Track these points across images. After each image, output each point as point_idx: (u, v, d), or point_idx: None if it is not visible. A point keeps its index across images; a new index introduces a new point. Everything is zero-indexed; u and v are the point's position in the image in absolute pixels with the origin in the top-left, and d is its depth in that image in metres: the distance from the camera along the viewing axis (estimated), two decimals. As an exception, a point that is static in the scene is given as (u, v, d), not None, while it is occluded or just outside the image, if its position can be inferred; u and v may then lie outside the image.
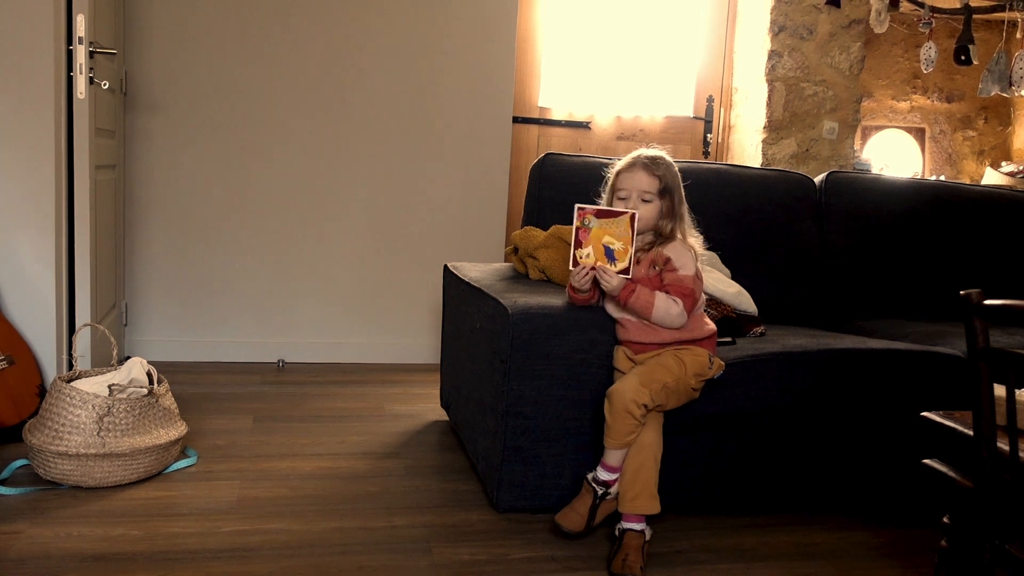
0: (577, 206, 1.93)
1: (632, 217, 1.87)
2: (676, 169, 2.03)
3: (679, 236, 2.00)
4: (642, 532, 1.91)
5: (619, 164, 2.04)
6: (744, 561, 1.95)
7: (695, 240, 2.04)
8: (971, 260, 3.01)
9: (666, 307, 1.93)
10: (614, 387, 1.94)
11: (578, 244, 1.94)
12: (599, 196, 2.09)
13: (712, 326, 2.05)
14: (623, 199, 1.99)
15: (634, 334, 2.02)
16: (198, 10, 3.39)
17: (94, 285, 2.76)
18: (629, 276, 1.91)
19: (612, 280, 1.91)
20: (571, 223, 1.94)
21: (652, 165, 1.99)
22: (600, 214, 1.91)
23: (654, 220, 1.99)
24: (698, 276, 1.98)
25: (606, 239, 1.91)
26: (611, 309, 2.06)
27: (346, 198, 3.62)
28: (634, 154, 2.03)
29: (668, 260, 1.96)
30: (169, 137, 3.43)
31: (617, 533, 1.93)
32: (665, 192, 1.99)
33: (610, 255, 1.92)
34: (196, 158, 3.46)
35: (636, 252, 1.94)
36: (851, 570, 1.95)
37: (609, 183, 2.06)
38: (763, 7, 4.05)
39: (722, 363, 2.02)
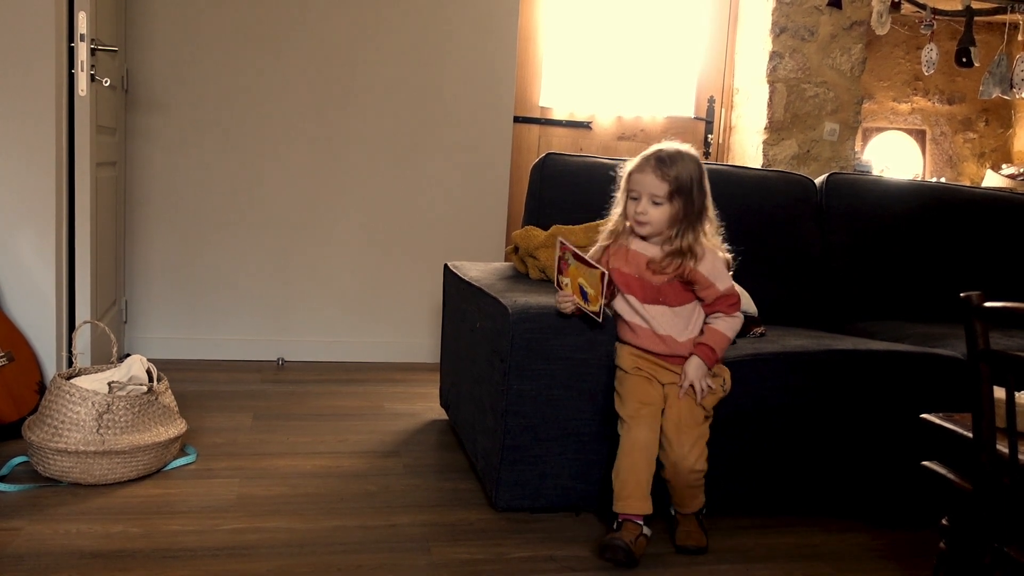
0: (560, 240, 1.97)
1: (602, 276, 1.86)
2: (696, 166, 1.95)
3: (702, 245, 1.95)
4: (640, 524, 1.92)
5: (632, 162, 1.98)
6: (743, 562, 1.95)
7: (716, 242, 2.00)
8: (971, 262, 3.01)
9: (733, 327, 1.99)
10: (674, 458, 1.92)
11: (561, 271, 1.99)
12: (609, 197, 2.07)
13: None
14: (635, 199, 1.96)
15: (646, 342, 2.00)
16: (200, 7, 3.39)
17: (94, 282, 2.76)
18: (600, 320, 1.93)
19: (694, 369, 1.93)
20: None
21: (663, 166, 1.92)
22: (577, 257, 1.92)
23: (665, 224, 1.95)
24: (733, 282, 2.02)
25: (581, 280, 1.93)
26: (623, 310, 2.02)
27: (347, 196, 3.62)
28: (648, 151, 1.96)
29: (703, 278, 1.95)
30: (170, 134, 3.43)
31: (615, 527, 1.95)
32: (678, 194, 1.92)
33: (584, 296, 1.94)
34: (197, 156, 3.46)
35: (662, 260, 1.96)
36: (850, 572, 1.95)
37: (622, 182, 2.01)
38: (764, 8, 4.05)
39: (728, 381, 2.04)
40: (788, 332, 2.48)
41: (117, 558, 1.76)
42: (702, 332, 2.00)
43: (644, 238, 1.99)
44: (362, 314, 3.69)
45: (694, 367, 1.94)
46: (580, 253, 1.91)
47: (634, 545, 1.87)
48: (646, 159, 1.95)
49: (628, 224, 2.00)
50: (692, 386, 1.94)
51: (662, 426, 1.95)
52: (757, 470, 2.20)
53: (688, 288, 1.98)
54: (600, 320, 1.93)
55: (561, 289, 1.99)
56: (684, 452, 1.92)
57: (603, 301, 1.89)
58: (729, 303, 1.98)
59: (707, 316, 2.02)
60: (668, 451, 1.94)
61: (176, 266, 3.49)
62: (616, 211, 2.05)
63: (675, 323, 1.99)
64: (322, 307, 3.64)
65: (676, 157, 1.93)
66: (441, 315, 2.94)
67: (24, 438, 2.15)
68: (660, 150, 1.95)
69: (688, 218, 1.94)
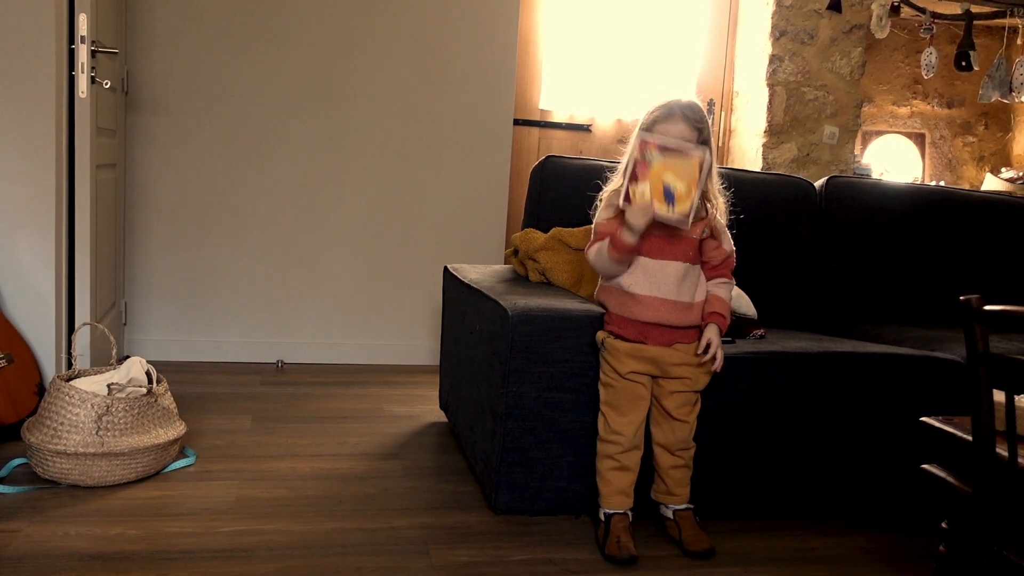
0: (642, 135, 1.78)
1: (701, 162, 1.72)
2: (709, 121, 1.93)
3: (718, 200, 1.93)
4: (626, 514, 1.98)
5: (653, 112, 1.88)
6: (743, 565, 1.95)
7: (721, 201, 1.96)
8: (971, 265, 3.01)
9: (730, 294, 1.98)
10: (669, 441, 1.99)
11: (633, 179, 1.78)
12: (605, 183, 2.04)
13: None
14: None
15: (660, 312, 1.91)
16: (200, 10, 3.39)
17: (94, 284, 2.76)
18: (688, 225, 1.80)
19: (717, 335, 1.93)
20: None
21: (692, 112, 1.85)
22: (665, 150, 1.74)
23: None
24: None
25: (667, 176, 1.73)
26: (634, 281, 1.93)
27: (346, 199, 3.62)
28: (667, 101, 1.87)
29: (718, 232, 1.92)
30: (170, 137, 3.43)
31: (603, 517, 1.99)
32: (703, 144, 1.85)
33: (669, 196, 1.74)
34: (197, 158, 3.46)
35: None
36: None
37: (637, 135, 1.88)
38: (764, 11, 4.06)
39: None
40: (788, 334, 2.48)
41: (116, 560, 1.76)
42: (706, 300, 1.98)
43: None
44: (362, 316, 3.69)
45: (717, 334, 1.94)
46: (670, 143, 1.75)
47: (630, 541, 1.93)
48: (670, 107, 1.86)
49: None
50: (715, 354, 1.94)
51: (656, 414, 2.00)
52: (757, 471, 2.20)
53: (699, 248, 1.95)
54: (689, 224, 1.79)
55: (633, 200, 1.79)
56: (683, 436, 1.99)
57: (696, 193, 1.74)
58: (731, 265, 2.00)
59: (710, 280, 1.98)
60: (664, 436, 2.00)
61: (176, 268, 3.50)
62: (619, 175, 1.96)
63: (687, 286, 1.93)
64: (322, 309, 3.65)
65: (698, 108, 1.89)
66: (441, 317, 2.94)
67: (23, 440, 2.15)
68: (680, 100, 1.89)
69: (707, 169, 1.87)
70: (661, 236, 1.91)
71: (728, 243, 1.98)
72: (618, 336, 1.96)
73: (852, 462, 2.24)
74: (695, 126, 1.86)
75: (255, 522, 1.99)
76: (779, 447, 2.20)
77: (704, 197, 1.91)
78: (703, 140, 1.88)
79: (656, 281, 1.92)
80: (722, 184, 2.00)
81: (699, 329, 1.97)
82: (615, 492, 1.98)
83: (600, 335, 2.00)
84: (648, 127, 1.88)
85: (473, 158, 3.73)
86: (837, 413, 2.20)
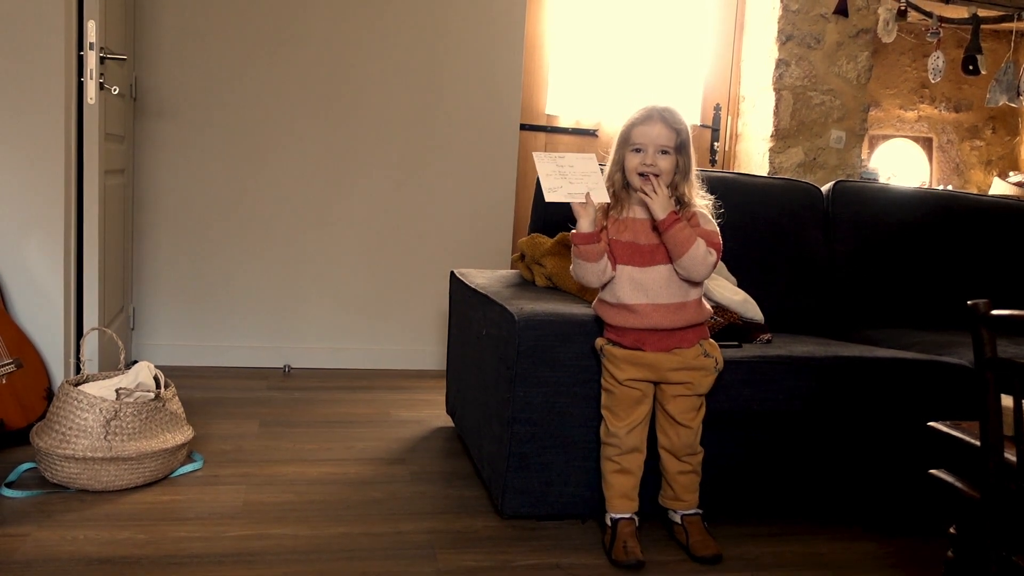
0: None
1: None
2: (688, 127, 1.96)
3: (694, 200, 1.94)
4: (632, 519, 1.97)
5: (632, 117, 1.94)
6: (750, 570, 1.95)
7: (706, 202, 1.97)
8: (978, 270, 3.00)
9: (704, 252, 1.88)
10: (674, 446, 1.99)
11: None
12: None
13: (709, 308, 2.03)
14: (638, 151, 1.91)
15: (654, 318, 1.91)
16: (207, 16, 3.41)
17: (102, 289, 2.77)
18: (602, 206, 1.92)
19: (661, 199, 1.87)
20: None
21: (670, 116, 1.91)
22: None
23: (670, 176, 1.92)
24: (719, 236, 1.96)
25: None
26: (624, 291, 1.94)
27: (353, 204, 3.63)
28: (647, 106, 1.94)
29: (694, 215, 1.92)
30: (178, 142, 3.44)
31: (609, 522, 1.99)
32: (681, 149, 1.91)
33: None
34: (204, 163, 3.48)
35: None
36: (857, 580, 1.94)
37: (620, 137, 1.95)
38: (771, 16, 4.06)
39: (721, 361, 2.01)
40: (794, 339, 2.47)
41: (123, 564, 1.76)
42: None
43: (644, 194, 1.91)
44: (368, 321, 3.70)
45: (664, 200, 1.88)
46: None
47: (636, 546, 1.93)
48: (649, 111, 1.92)
49: (626, 181, 1.95)
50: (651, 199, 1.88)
51: (661, 419, 2.00)
52: (764, 476, 2.20)
53: None
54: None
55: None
56: (688, 441, 1.98)
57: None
58: (712, 243, 1.91)
59: None
60: (669, 441, 1.99)
61: (184, 273, 3.51)
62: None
63: (675, 286, 1.92)
64: (328, 314, 3.65)
65: (676, 112, 1.94)
66: (447, 322, 2.94)
67: (32, 444, 2.16)
68: (658, 105, 1.94)
69: (683, 172, 1.94)
70: (641, 244, 1.93)
71: (707, 225, 1.93)
72: (616, 343, 1.97)
73: (860, 467, 2.24)
74: (672, 127, 1.91)
75: (262, 527, 1.99)
76: (786, 451, 2.20)
77: (679, 200, 1.93)
78: (680, 143, 1.91)
79: (644, 288, 1.93)
80: (704, 188, 2.00)
81: (697, 330, 1.97)
82: (617, 495, 1.98)
83: (599, 342, 2.01)
84: (627, 130, 1.94)
85: (480, 163, 3.73)
86: (845, 418, 2.20)
